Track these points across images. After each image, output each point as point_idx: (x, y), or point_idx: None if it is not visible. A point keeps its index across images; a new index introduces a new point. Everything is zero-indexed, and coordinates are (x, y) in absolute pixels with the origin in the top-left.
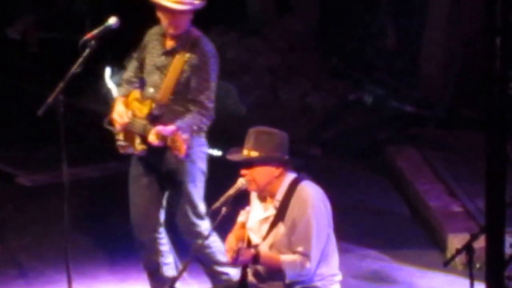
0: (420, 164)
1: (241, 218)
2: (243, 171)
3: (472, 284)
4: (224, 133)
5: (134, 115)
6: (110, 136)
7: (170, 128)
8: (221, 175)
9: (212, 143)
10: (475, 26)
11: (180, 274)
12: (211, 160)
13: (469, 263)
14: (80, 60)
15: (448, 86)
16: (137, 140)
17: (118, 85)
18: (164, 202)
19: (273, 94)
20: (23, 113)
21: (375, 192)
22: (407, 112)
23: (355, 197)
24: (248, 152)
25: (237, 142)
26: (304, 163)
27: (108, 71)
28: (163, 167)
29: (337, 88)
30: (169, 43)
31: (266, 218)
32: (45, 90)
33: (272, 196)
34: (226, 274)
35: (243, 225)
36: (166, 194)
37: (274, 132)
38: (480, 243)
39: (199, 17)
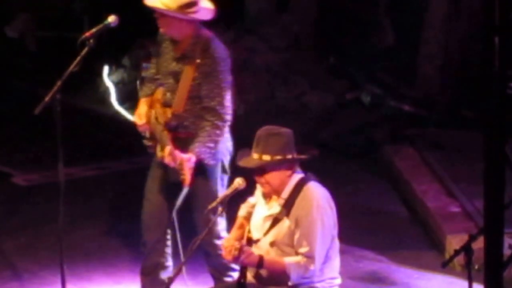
0: (418, 164)
1: (242, 212)
2: (257, 178)
3: (470, 286)
4: None
5: (156, 118)
6: (106, 136)
7: (185, 156)
8: None
9: None
10: (473, 25)
11: (176, 274)
12: None
13: (468, 264)
14: (78, 58)
15: (447, 86)
16: (158, 147)
17: (141, 83)
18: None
19: (270, 93)
20: (20, 112)
21: (373, 193)
22: (405, 111)
23: (353, 197)
24: (259, 156)
25: (235, 140)
26: (311, 157)
27: (106, 69)
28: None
29: (335, 87)
30: (179, 48)
31: (270, 216)
32: (43, 89)
33: (278, 194)
34: (231, 276)
35: (242, 225)
36: (183, 196)
37: (281, 132)
38: (478, 244)
39: None
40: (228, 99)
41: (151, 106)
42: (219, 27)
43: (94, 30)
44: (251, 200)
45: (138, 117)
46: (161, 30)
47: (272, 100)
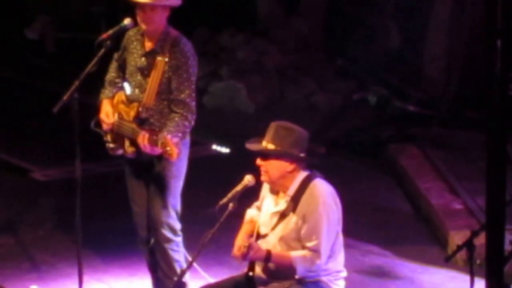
0: (422, 162)
1: (248, 216)
2: (258, 161)
3: (472, 280)
4: (232, 131)
5: (121, 118)
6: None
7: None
8: (228, 172)
9: (220, 141)
10: (476, 28)
11: (188, 267)
12: (218, 157)
13: (470, 259)
14: (95, 59)
15: (450, 87)
16: (127, 143)
17: (102, 87)
18: None
19: (280, 93)
20: (40, 110)
21: (379, 190)
22: (410, 111)
23: (359, 195)
24: (266, 144)
25: (245, 140)
26: (319, 161)
27: None
28: (151, 163)
29: (342, 88)
30: (148, 44)
31: (277, 212)
32: (62, 89)
33: (285, 191)
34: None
35: (253, 220)
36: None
37: (294, 129)
38: (480, 240)
39: (210, 19)
40: (194, 95)
41: (113, 108)
42: (231, 30)
43: (110, 31)
44: (255, 204)
45: (106, 115)
46: (142, 25)
47: (282, 100)
